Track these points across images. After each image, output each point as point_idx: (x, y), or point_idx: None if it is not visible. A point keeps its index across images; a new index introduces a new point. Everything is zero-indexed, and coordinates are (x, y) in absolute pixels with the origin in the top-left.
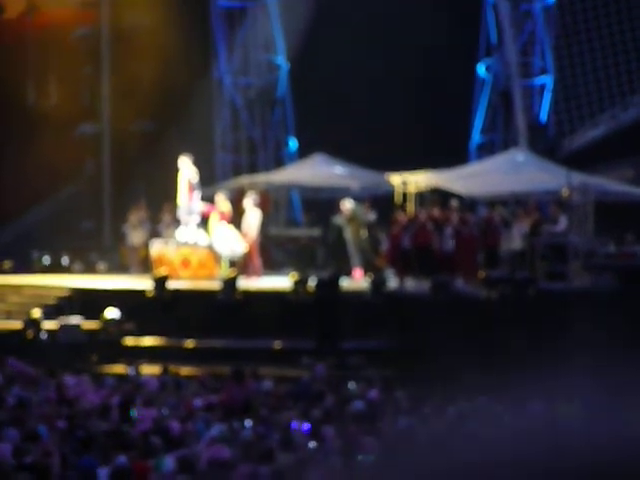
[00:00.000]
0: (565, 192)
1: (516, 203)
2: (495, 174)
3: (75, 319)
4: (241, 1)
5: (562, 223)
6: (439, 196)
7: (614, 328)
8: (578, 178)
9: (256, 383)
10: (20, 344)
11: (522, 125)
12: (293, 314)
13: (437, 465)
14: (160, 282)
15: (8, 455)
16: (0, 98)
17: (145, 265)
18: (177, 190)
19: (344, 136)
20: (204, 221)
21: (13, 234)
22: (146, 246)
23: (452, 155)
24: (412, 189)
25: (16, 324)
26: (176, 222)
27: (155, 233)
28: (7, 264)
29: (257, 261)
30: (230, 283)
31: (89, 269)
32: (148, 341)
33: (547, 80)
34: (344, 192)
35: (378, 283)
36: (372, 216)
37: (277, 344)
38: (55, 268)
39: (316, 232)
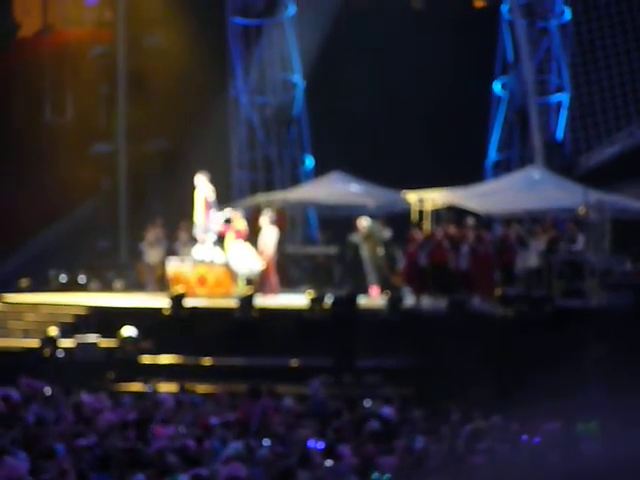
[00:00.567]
0: (582, 210)
1: (532, 221)
2: (511, 192)
3: (92, 337)
4: (257, 19)
5: (580, 242)
6: (455, 214)
7: (631, 346)
8: (595, 196)
9: (274, 401)
10: (37, 362)
11: (538, 143)
12: (310, 332)
13: None
14: (177, 300)
15: (25, 473)
16: (17, 116)
17: (162, 283)
18: (194, 208)
19: (360, 154)
20: (220, 239)
21: (30, 253)
22: (163, 264)
23: (468, 173)
24: (428, 207)
25: (33, 342)
26: (193, 240)
27: (172, 251)
28: (24, 282)
29: (274, 279)
30: (247, 301)
31: (106, 287)
32: (165, 359)
33: (563, 98)
34: (360, 210)
35: (395, 301)
36: (387, 234)
37: (294, 362)
38: (72, 286)
39: (333, 250)
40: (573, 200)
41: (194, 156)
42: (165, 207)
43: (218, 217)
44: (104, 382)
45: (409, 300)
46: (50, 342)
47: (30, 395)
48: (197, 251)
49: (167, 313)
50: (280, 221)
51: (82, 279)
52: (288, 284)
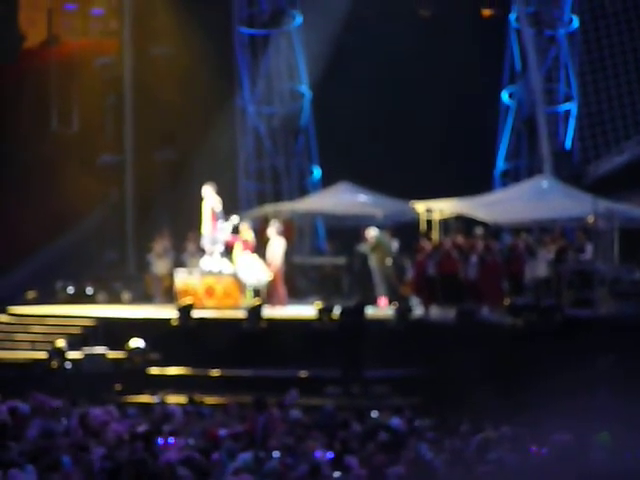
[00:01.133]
0: (590, 219)
1: (541, 230)
2: (520, 201)
3: (99, 349)
4: (264, 29)
5: (588, 251)
6: (463, 224)
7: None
8: (603, 205)
9: (282, 412)
10: (44, 374)
11: (547, 152)
12: (318, 343)
13: None
14: (185, 311)
15: None
16: (23, 127)
17: (169, 294)
18: (201, 219)
19: (368, 164)
20: (228, 250)
21: (37, 264)
22: (170, 275)
23: (476, 182)
24: (436, 217)
25: (40, 354)
26: (200, 251)
27: (179, 262)
28: (31, 294)
29: (282, 290)
30: (255, 312)
31: (113, 299)
32: (173, 370)
33: (572, 106)
34: (368, 220)
35: (403, 311)
36: (395, 244)
37: (302, 373)
38: (79, 298)
39: (341, 260)
40: (582, 209)
41: (201, 166)
42: (173, 218)
43: (225, 227)
44: (112, 394)
45: (418, 310)
46: (58, 354)
47: (38, 409)
48: (205, 262)
49: (175, 324)
50: (288, 231)
51: (89, 291)
52: (296, 295)
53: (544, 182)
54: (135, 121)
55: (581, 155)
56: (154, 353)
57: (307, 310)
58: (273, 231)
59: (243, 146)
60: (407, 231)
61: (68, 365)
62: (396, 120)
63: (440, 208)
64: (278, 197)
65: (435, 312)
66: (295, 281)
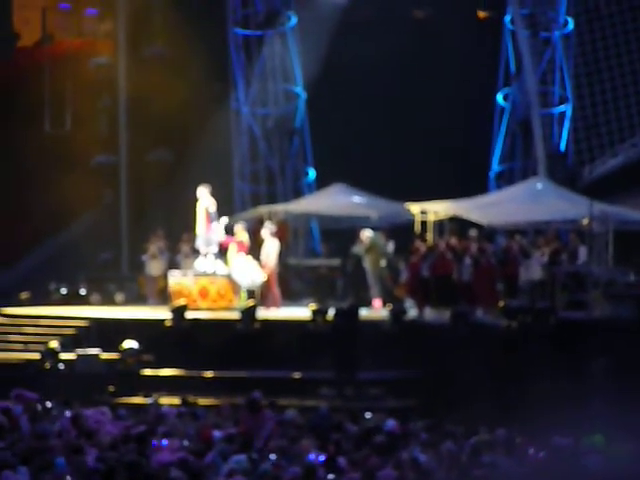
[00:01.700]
0: (585, 221)
1: (535, 232)
2: (514, 203)
3: (93, 350)
4: (259, 30)
5: (582, 253)
6: (458, 225)
7: (635, 357)
8: (598, 207)
9: (276, 413)
10: (37, 375)
11: (541, 154)
12: (312, 344)
13: None
14: (178, 312)
15: None
16: (16, 127)
17: (163, 295)
18: (195, 220)
19: (362, 166)
20: (223, 251)
21: (30, 265)
22: (165, 276)
23: (471, 184)
24: (431, 218)
25: (34, 355)
26: (195, 252)
27: (174, 263)
28: (25, 295)
29: (276, 291)
30: (249, 313)
31: (107, 300)
32: (166, 372)
33: (566, 109)
34: (363, 222)
35: (397, 313)
36: (390, 246)
37: (296, 374)
38: (73, 299)
39: (335, 262)
40: (576, 211)
41: (196, 168)
42: (167, 219)
43: (219, 229)
44: (105, 395)
45: (412, 312)
46: (51, 355)
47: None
48: (199, 263)
49: (169, 325)
50: (282, 233)
51: (83, 291)
52: (290, 296)
53: (538, 184)
54: (129, 122)
55: (576, 157)
56: (147, 354)
57: (301, 312)
58: (267, 232)
59: (237, 147)
60: (402, 233)
61: (61, 366)
62: (391, 121)
63: (435, 210)
64: (272, 198)
65: (429, 314)
66: (289, 283)
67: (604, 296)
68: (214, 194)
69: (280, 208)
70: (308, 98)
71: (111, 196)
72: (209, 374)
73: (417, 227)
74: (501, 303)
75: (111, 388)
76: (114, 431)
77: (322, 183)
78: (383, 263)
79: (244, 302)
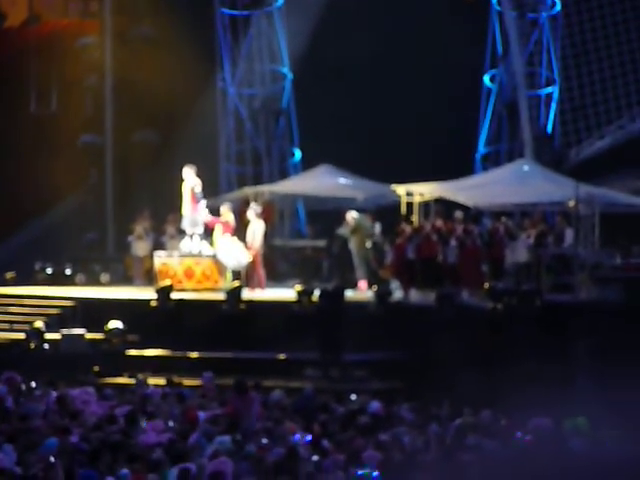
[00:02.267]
0: (571, 203)
1: (521, 214)
2: (501, 185)
3: (78, 330)
4: (245, 10)
5: (568, 236)
6: (444, 207)
7: (620, 340)
8: (584, 189)
9: (261, 395)
10: (22, 355)
11: (528, 136)
12: (297, 325)
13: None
14: (164, 293)
15: (11, 466)
16: (1, 107)
17: (149, 276)
18: (181, 201)
19: (349, 147)
20: (208, 232)
21: (15, 245)
22: (150, 257)
23: (457, 166)
24: (417, 200)
25: (19, 335)
26: (180, 233)
27: (159, 244)
28: (10, 275)
29: (261, 272)
30: (234, 294)
31: (92, 280)
32: (152, 352)
33: (553, 90)
34: (349, 203)
35: (383, 294)
36: (377, 227)
37: (281, 355)
38: (58, 279)
39: (321, 243)
40: (563, 193)
41: (182, 148)
42: (152, 200)
43: (204, 209)
44: (90, 375)
45: (397, 294)
46: (36, 335)
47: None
48: (185, 244)
49: (154, 306)
50: (268, 214)
51: (68, 272)
52: (276, 277)
53: (525, 166)
54: (115, 102)
55: (562, 139)
56: (133, 335)
57: (286, 293)
58: (253, 214)
59: (224, 128)
60: (388, 214)
61: (46, 346)
62: (377, 103)
63: (421, 191)
64: (258, 179)
65: (414, 296)
66: (275, 264)
67: (590, 279)
68: (200, 175)
69: (266, 189)
70: (294, 79)
71: (96, 176)
72: (194, 355)
73: (403, 209)
74: (486, 285)
75: (96, 368)
76: (99, 411)
77: (308, 164)
78: (369, 245)
79: (229, 283)
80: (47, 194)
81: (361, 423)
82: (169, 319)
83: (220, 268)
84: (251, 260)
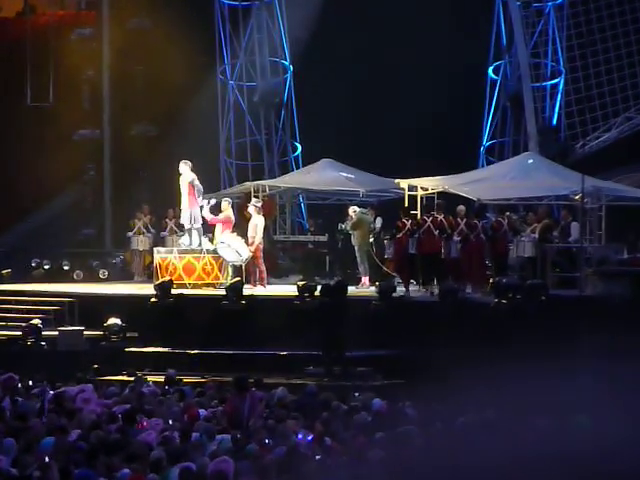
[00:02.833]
0: (577, 197)
1: (526, 208)
2: (505, 178)
3: (76, 327)
4: (246, 1)
5: (574, 232)
6: (447, 201)
7: (627, 336)
8: (590, 182)
9: (262, 392)
10: (20, 352)
11: (533, 128)
12: (299, 322)
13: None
14: (164, 289)
15: (7, 466)
16: None
17: (149, 272)
18: (180, 196)
19: (351, 141)
20: (209, 227)
21: (12, 241)
22: (150, 252)
23: (461, 159)
24: (420, 194)
25: (16, 332)
26: (180, 228)
27: (159, 239)
28: (6, 271)
29: (262, 268)
30: (235, 290)
31: (90, 276)
32: (151, 349)
33: (559, 82)
34: (351, 197)
35: (386, 290)
36: (379, 222)
37: (282, 352)
38: (56, 275)
39: (323, 238)
40: (568, 187)
41: (181, 142)
42: (151, 194)
43: (203, 205)
44: (89, 373)
45: (400, 289)
46: (33, 331)
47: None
48: (184, 239)
49: (153, 302)
50: (269, 208)
51: (66, 267)
52: (277, 273)
53: (530, 159)
54: (113, 95)
55: (568, 131)
56: (132, 331)
57: (288, 288)
58: (253, 209)
59: (224, 121)
60: (391, 208)
61: (44, 343)
62: (380, 96)
63: (424, 185)
64: (259, 173)
65: (415, 290)
66: (276, 259)
67: (596, 274)
68: (199, 169)
69: (267, 183)
70: (295, 71)
71: (94, 171)
72: (194, 351)
73: (406, 203)
74: (490, 280)
75: (95, 366)
76: (97, 410)
77: (309, 158)
78: (371, 239)
79: (230, 279)
80: (44, 188)
81: (364, 420)
82: (169, 315)
83: (220, 264)
84: (252, 255)
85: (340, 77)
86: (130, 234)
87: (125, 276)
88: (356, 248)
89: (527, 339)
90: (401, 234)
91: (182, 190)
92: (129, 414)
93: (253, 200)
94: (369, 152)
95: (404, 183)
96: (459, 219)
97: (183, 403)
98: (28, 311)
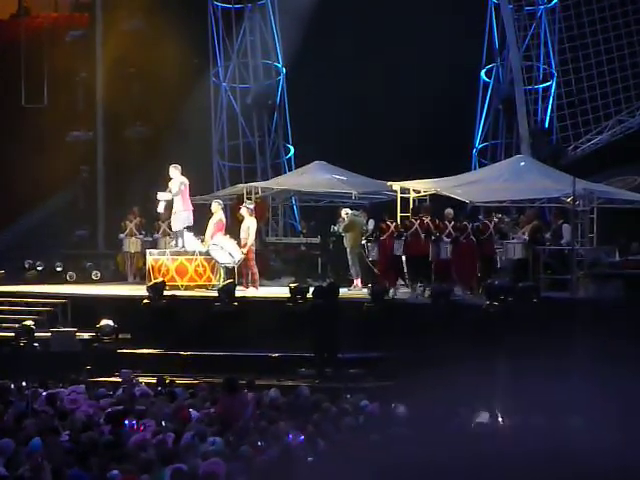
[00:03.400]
0: (569, 199)
1: (518, 210)
2: (497, 181)
3: (69, 328)
4: (239, 4)
5: (566, 234)
6: (440, 204)
7: (619, 338)
8: (582, 185)
9: (254, 393)
10: (12, 353)
11: (525, 131)
12: (291, 323)
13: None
14: (156, 291)
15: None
16: None
17: (141, 273)
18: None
19: (343, 143)
20: (201, 230)
21: (5, 242)
22: (142, 254)
23: (454, 161)
24: (413, 196)
25: (8, 333)
26: (172, 230)
27: (151, 241)
28: (0, 272)
29: (255, 270)
30: (227, 292)
31: (83, 277)
32: (144, 350)
33: (551, 85)
34: (344, 200)
35: (378, 292)
36: (371, 224)
37: (275, 354)
38: (49, 276)
39: (315, 240)
40: (560, 189)
41: (174, 144)
42: (144, 196)
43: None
44: (81, 374)
45: (392, 291)
46: (26, 333)
47: None
48: (177, 241)
49: (146, 303)
50: (261, 211)
51: (59, 269)
52: (269, 275)
53: (522, 162)
54: (106, 97)
55: (560, 134)
56: (124, 333)
57: (280, 290)
58: (246, 210)
59: (217, 123)
60: (383, 211)
61: (36, 344)
62: (373, 98)
63: (416, 187)
64: (252, 175)
65: (403, 293)
66: (268, 261)
67: (588, 276)
68: (192, 171)
69: (259, 185)
70: (288, 74)
71: (87, 172)
72: (187, 353)
73: (398, 205)
74: (479, 282)
75: (87, 367)
76: (90, 411)
77: (302, 160)
78: (363, 241)
79: (222, 281)
80: (37, 189)
81: (356, 422)
82: (161, 317)
83: (213, 266)
84: (244, 257)
85: (332, 79)
86: (122, 236)
87: (118, 277)
88: (348, 250)
89: (519, 341)
90: (385, 236)
91: (174, 193)
92: (121, 415)
93: (245, 202)
94: (362, 154)
95: (396, 185)
96: (447, 221)
97: (175, 404)
98: (21, 312)
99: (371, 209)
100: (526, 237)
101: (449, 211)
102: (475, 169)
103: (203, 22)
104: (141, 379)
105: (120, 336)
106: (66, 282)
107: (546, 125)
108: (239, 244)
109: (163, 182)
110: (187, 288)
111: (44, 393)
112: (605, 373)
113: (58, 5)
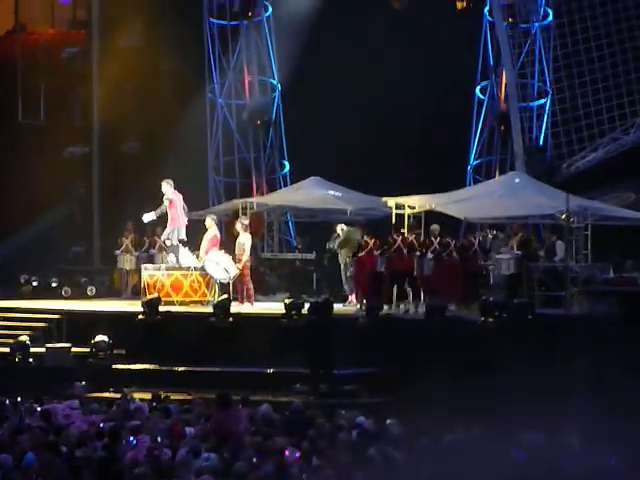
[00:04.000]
0: (563, 216)
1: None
2: (492, 197)
3: (64, 344)
4: (234, 20)
5: (559, 251)
6: (434, 220)
7: (613, 355)
8: (576, 202)
9: (249, 409)
10: (7, 369)
11: (519, 148)
12: (286, 339)
13: None
14: (151, 306)
15: None
16: None
17: (136, 289)
18: (167, 214)
19: (338, 159)
20: (196, 245)
21: (1, 257)
22: (137, 270)
23: (448, 178)
24: (408, 212)
25: (3, 349)
26: (167, 246)
27: (147, 257)
28: None
29: (250, 285)
30: (222, 307)
31: (79, 293)
32: (138, 366)
33: (546, 102)
34: (339, 216)
35: (372, 308)
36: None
37: (269, 370)
38: (44, 292)
39: (310, 256)
40: (554, 206)
41: (170, 160)
42: (140, 212)
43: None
44: (76, 389)
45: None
46: (21, 348)
47: None
48: (172, 257)
49: (141, 319)
50: (257, 226)
51: (54, 284)
52: (264, 290)
53: (516, 178)
54: (103, 112)
55: (554, 151)
56: (119, 348)
57: (275, 306)
58: (241, 226)
59: (212, 139)
60: (379, 227)
61: (31, 360)
62: (367, 115)
63: (411, 203)
64: (247, 191)
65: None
66: (263, 277)
67: (582, 293)
68: (188, 186)
69: (255, 201)
70: (284, 90)
71: (83, 188)
72: (181, 368)
73: (393, 221)
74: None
75: (82, 382)
76: (84, 427)
77: (297, 176)
78: None
79: (217, 296)
80: (34, 205)
81: (350, 438)
82: (156, 332)
83: (208, 281)
84: (239, 273)
85: (327, 96)
86: (117, 252)
87: (113, 293)
88: (342, 266)
89: (513, 358)
90: (363, 253)
91: (168, 209)
92: (116, 431)
93: (241, 218)
94: (357, 170)
95: (391, 201)
96: (433, 237)
97: (169, 420)
98: (16, 327)
99: (367, 225)
100: (516, 251)
101: (435, 227)
102: (470, 185)
103: (199, 39)
104: (135, 395)
105: (115, 352)
106: (61, 297)
107: (541, 142)
108: (234, 259)
109: (159, 198)
110: (182, 304)
111: (39, 408)
112: (600, 390)
113: (55, 22)
